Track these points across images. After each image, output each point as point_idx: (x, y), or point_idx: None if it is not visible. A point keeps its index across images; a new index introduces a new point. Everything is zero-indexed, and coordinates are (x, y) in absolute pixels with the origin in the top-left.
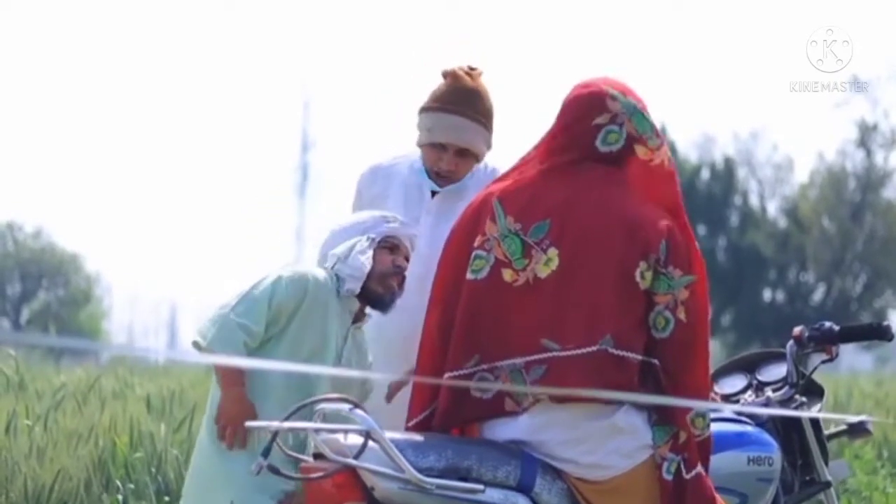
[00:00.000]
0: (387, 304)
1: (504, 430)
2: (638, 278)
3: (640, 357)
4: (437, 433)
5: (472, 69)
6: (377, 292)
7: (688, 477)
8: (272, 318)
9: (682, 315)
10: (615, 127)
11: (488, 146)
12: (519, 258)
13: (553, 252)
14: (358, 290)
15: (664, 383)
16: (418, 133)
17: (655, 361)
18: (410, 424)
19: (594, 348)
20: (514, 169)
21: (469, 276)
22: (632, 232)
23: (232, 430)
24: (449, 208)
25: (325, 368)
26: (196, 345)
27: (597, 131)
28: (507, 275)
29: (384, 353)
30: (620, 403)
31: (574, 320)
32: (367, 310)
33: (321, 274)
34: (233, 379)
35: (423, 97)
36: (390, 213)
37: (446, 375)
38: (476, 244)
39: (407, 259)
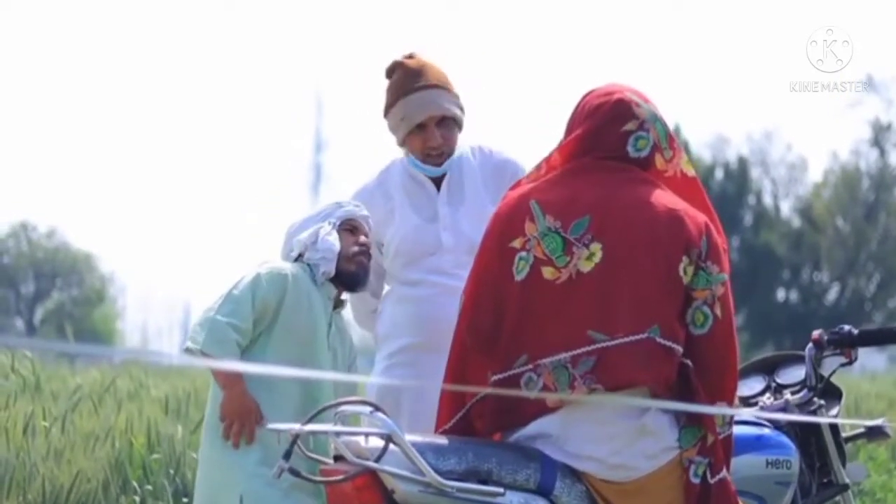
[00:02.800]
0: (361, 281)
1: (534, 423)
2: (681, 273)
3: (682, 350)
4: (457, 436)
5: (410, 56)
6: (350, 271)
7: (712, 481)
8: (258, 315)
9: (718, 311)
10: (644, 133)
11: (461, 109)
12: (560, 255)
13: (596, 246)
14: (333, 272)
15: (695, 383)
16: (396, 135)
17: (688, 362)
18: (444, 428)
19: (643, 336)
20: (537, 170)
21: (515, 277)
22: (674, 226)
23: (238, 426)
24: (459, 192)
25: (334, 374)
26: (189, 350)
27: (627, 137)
28: (548, 272)
29: (430, 336)
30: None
31: (621, 310)
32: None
33: (294, 268)
34: (231, 377)
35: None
36: (343, 199)
37: (494, 377)
38: (518, 246)
39: (366, 236)
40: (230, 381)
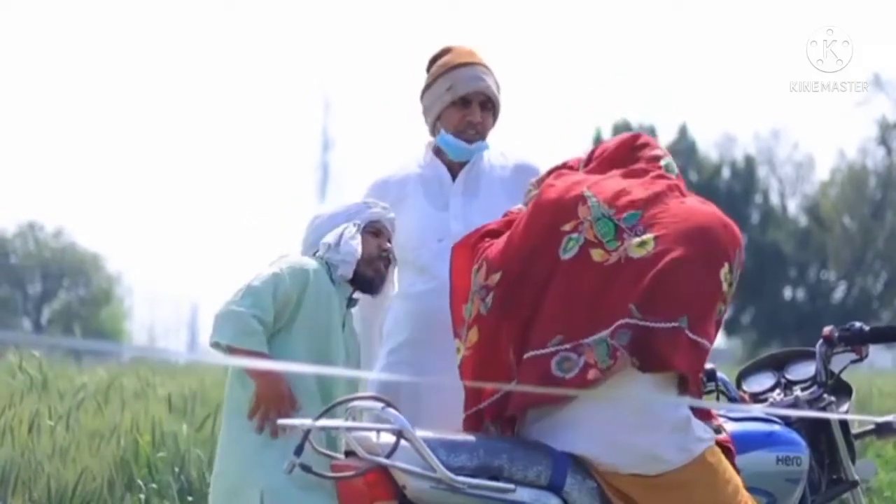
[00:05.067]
0: (377, 286)
1: (565, 403)
2: (721, 278)
3: (710, 346)
4: (468, 432)
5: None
6: (367, 276)
7: None
8: (279, 309)
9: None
10: (670, 161)
11: (500, 101)
12: (611, 240)
13: (649, 236)
14: (351, 275)
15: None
16: (431, 111)
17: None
18: (470, 412)
19: (674, 324)
20: (580, 172)
21: (561, 256)
22: (722, 234)
23: (275, 413)
24: (474, 186)
25: (351, 371)
26: (218, 346)
27: (658, 159)
28: (597, 254)
29: (429, 332)
30: (683, 394)
31: (660, 297)
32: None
33: (315, 264)
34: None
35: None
36: (371, 200)
37: (528, 355)
38: (569, 229)
39: (389, 241)
40: (261, 370)
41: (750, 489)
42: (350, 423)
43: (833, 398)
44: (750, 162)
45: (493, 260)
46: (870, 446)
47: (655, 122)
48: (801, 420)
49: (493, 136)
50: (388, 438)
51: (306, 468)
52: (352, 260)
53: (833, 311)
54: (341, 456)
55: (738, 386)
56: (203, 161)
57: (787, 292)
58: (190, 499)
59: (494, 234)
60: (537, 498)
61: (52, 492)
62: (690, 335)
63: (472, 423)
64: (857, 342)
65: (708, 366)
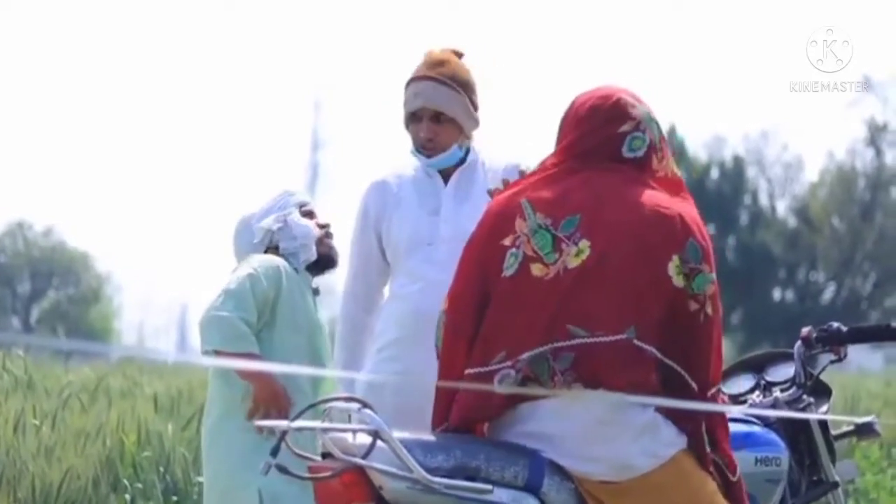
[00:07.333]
0: (335, 261)
1: (529, 417)
2: (671, 272)
3: (657, 354)
4: (446, 433)
5: (455, 51)
6: (323, 254)
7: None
8: (260, 309)
9: (709, 309)
10: (639, 133)
11: (467, 113)
12: (549, 252)
13: (585, 243)
14: (315, 256)
15: (689, 384)
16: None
17: (675, 365)
18: (440, 429)
19: (622, 336)
20: (534, 172)
21: (503, 273)
22: (664, 227)
23: (275, 411)
24: (465, 189)
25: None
26: (207, 353)
27: (622, 138)
28: (537, 269)
29: (416, 331)
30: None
31: (603, 308)
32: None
33: (278, 259)
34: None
35: None
36: (291, 188)
37: (468, 372)
38: (508, 243)
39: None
40: (255, 371)
41: None
42: (326, 424)
43: (812, 399)
44: (739, 163)
45: (451, 284)
46: (857, 448)
47: None
48: (781, 421)
49: (489, 139)
50: (365, 439)
51: (282, 469)
52: (309, 241)
53: (822, 312)
54: (318, 457)
55: None
56: (193, 160)
57: (777, 293)
58: (175, 498)
59: None
60: (514, 498)
61: (37, 491)
62: (637, 344)
63: None
64: (835, 343)
65: None
